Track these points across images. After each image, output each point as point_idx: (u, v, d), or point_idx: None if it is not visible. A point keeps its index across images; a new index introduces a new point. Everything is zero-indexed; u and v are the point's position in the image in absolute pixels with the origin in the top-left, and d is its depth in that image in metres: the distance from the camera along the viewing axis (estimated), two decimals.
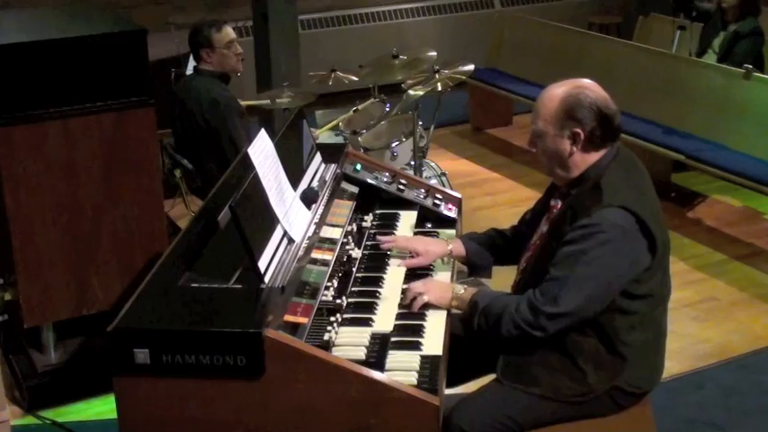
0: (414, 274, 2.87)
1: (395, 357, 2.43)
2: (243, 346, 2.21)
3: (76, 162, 3.59)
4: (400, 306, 2.70)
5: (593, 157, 2.56)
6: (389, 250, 2.98)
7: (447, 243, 2.97)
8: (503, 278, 3.05)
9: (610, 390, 2.56)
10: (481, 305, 2.58)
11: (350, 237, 2.97)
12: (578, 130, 2.52)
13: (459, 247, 2.96)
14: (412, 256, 2.93)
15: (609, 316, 2.51)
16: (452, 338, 2.70)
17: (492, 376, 2.66)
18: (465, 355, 2.77)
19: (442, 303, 2.69)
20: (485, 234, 3.02)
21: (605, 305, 2.49)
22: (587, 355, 2.53)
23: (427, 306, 2.68)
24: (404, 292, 2.75)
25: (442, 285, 2.75)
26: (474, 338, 2.65)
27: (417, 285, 2.72)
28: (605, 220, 2.44)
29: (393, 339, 2.51)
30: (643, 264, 2.50)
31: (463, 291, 2.67)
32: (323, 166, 3.30)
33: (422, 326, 2.59)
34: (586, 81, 2.60)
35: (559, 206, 2.64)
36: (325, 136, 5.09)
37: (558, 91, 2.56)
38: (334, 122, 5.13)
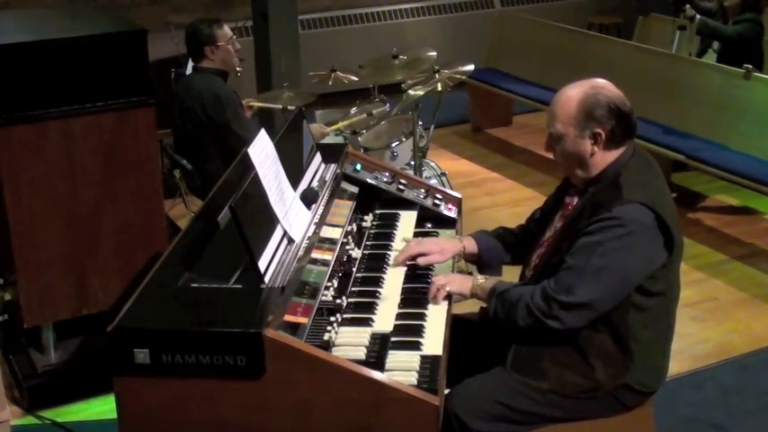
0: (414, 275, 2.86)
1: (395, 357, 2.43)
2: (243, 346, 2.20)
3: (76, 162, 3.59)
4: (421, 298, 2.72)
5: (613, 155, 2.57)
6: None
7: (460, 240, 2.98)
8: (511, 277, 3.04)
9: (616, 388, 2.56)
10: (498, 291, 2.60)
11: (350, 237, 2.97)
12: (599, 130, 2.53)
13: (471, 244, 2.96)
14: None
15: (623, 312, 2.51)
16: (459, 336, 2.71)
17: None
18: (470, 353, 2.77)
19: (464, 292, 2.71)
20: (494, 232, 3.02)
21: (620, 299, 2.49)
22: (598, 350, 2.53)
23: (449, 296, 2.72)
24: (404, 292, 2.76)
25: (464, 276, 2.78)
26: (488, 332, 2.66)
27: (439, 278, 2.75)
28: (625, 215, 2.45)
29: (393, 339, 2.50)
30: (659, 260, 2.51)
31: (484, 280, 2.70)
32: (323, 166, 3.30)
33: (422, 326, 2.59)
34: (601, 80, 2.61)
35: (575, 203, 2.65)
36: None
37: (574, 92, 2.56)
38: (346, 122, 5.10)
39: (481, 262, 2.98)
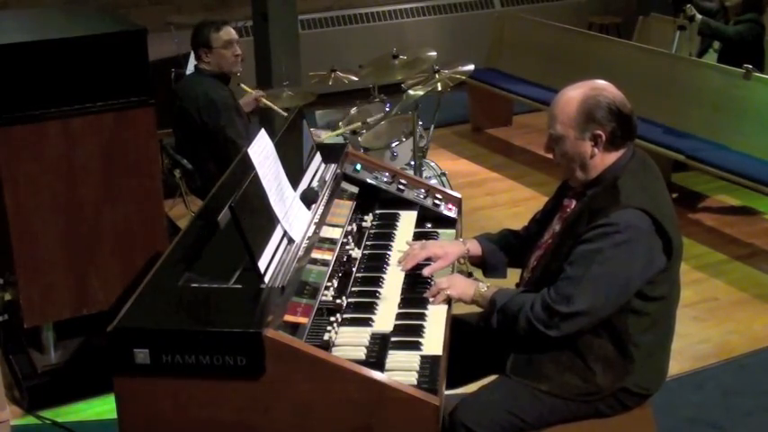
0: (415, 275, 2.86)
1: (395, 357, 2.42)
2: (243, 346, 2.21)
3: (76, 162, 3.59)
4: (419, 297, 2.72)
5: (612, 157, 2.57)
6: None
7: (464, 243, 2.97)
8: (515, 279, 3.04)
9: (617, 391, 2.57)
10: (499, 304, 2.60)
11: (350, 237, 2.97)
12: (599, 132, 2.53)
13: (475, 247, 2.95)
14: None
15: (622, 317, 2.51)
16: (459, 337, 2.71)
17: (495, 376, 2.67)
18: (469, 355, 2.78)
19: (465, 299, 2.71)
20: (498, 234, 3.02)
21: (620, 306, 2.49)
22: (598, 354, 2.53)
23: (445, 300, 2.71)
24: (404, 292, 2.76)
25: (467, 282, 2.76)
26: (487, 334, 2.66)
27: (442, 280, 2.74)
28: (622, 221, 2.44)
29: (393, 339, 2.50)
30: (658, 265, 2.51)
31: (486, 289, 2.68)
32: (323, 166, 3.30)
33: (422, 326, 2.59)
34: (601, 82, 2.60)
35: (573, 206, 2.64)
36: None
37: (574, 93, 2.55)
38: (345, 128, 5.08)
39: (485, 265, 2.97)
